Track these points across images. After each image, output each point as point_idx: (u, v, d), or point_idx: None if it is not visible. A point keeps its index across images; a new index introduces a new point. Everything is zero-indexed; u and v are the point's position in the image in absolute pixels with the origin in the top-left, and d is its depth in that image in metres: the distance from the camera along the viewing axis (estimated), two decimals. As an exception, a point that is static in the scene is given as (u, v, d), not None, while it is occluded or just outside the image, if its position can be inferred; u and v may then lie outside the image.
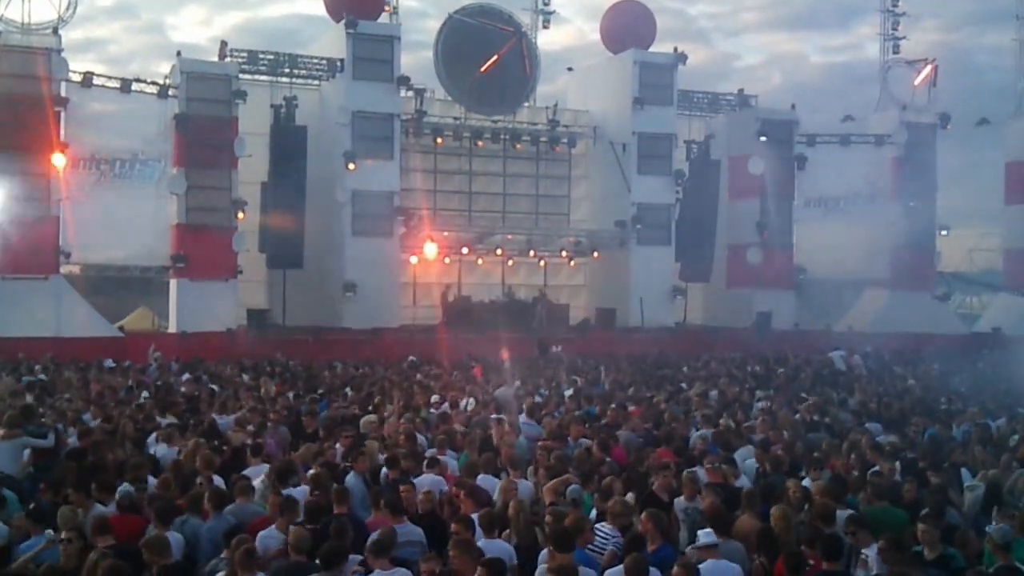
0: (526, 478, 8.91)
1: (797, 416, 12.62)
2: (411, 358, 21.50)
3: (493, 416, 11.89)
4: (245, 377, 17.75)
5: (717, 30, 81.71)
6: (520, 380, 17.04)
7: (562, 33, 67.57)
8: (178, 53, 27.20)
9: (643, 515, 6.84)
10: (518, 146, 32.54)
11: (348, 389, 15.64)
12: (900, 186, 33.29)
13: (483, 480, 8.66)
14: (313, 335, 25.88)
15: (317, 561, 6.18)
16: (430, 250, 28.82)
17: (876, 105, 35.48)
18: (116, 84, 26.01)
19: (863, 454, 9.75)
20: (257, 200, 27.26)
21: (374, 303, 27.02)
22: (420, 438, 10.48)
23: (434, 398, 14.10)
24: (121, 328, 26.61)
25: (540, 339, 26.09)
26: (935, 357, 24.09)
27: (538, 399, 14.11)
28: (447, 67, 30.40)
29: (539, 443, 10.18)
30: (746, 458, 9.73)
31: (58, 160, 24.20)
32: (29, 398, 13.27)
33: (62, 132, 24.71)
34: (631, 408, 12.99)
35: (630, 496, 7.63)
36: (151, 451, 10.06)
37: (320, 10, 30.88)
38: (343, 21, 27.74)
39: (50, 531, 6.69)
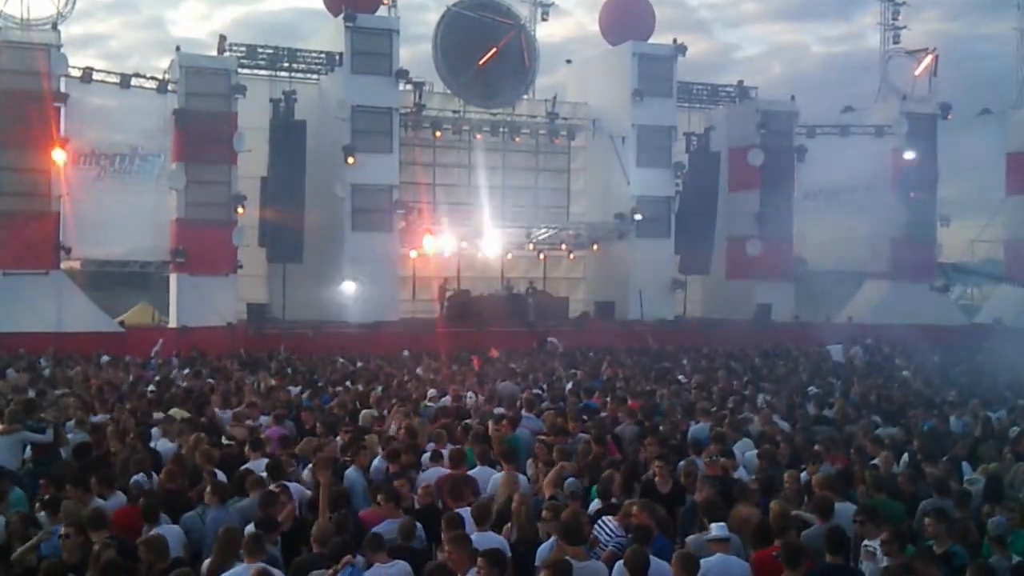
0: (525, 472, 8.96)
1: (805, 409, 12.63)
2: (404, 352, 21.54)
3: (497, 410, 11.92)
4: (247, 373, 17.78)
5: (717, 21, 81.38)
6: (520, 373, 17.09)
7: (561, 25, 67.35)
8: (177, 48, 27.21)
9: (635, 507, 6.87)
10: (517, 139, 32.52)
11: (348, 382, 15.69)
12: (900, 177, 33.23)
13: (480, 472, 8.70)
14: (313, 329, 25.92)
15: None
16: (429, 244, 28.83)
17: (876, 96, 35.39)
18: (115, 79, 25.99)
19: (863, 447, 9.78)
20: (257, 195, 27.27)
21: (374, 297, 27.02)
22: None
23: (431, 392, 14.13)
24: (122, 323, 26.64)
25: (540, 333, 26.13)
26: (935, 349, 24.10)
27: (537, 392, 14.14)
28: (446, 60, 30.35)
29: (538, 437, 10.21)
30: (745, 451, 9.77)
31: (58, 156, 24.20)
32: (31, 393, 13.32)
33: (62, 128, 24.70)
34: (631, 402, 13.01)
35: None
36: (152, 446, 10.09)
37: (319, 4, 30.84)
38: (342, 15, 27.69)
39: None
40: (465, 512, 6.94)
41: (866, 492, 7.95)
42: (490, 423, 10.96)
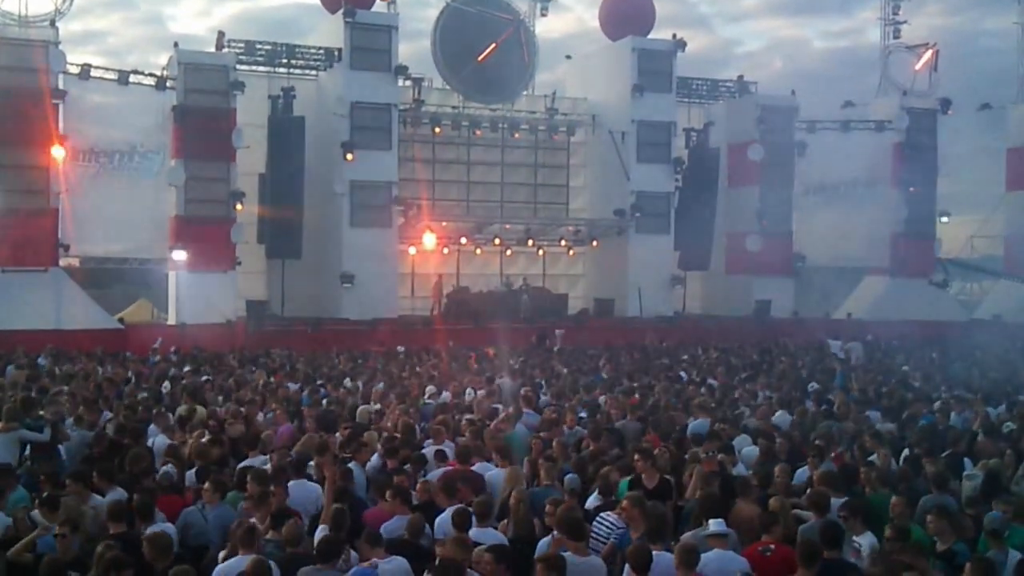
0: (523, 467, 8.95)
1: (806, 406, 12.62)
2: (400, 348, 21.53)
3: (498, 406, 11.91)
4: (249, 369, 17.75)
5: (718, 16, 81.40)
6: (519, 370, 17.09)
7: (561, 21, 67.35)
8: (175, 44, 27.19)
9: (625, 501, 6.86)
10: (516, 135, 32.47)
11: (348, 380, 15.68)
12: (900, 172, 33.19)
13: (479, 467, 8.70)
14: (312, 326, 25.90)
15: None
16: (428, 240, 28.81)
17: (877, 91, 35.34)
18: (114, 76, 25.93)
19: (863, 442, 9.77)
20: (255, 191, 27.24)
21: (372, 294, 27.03)
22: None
23: (430, 388, 14.13)
24: (121, 320, 26.64)
25: (540, 329, 26.11)
26: (934, 344, 24.09)
27: (536, 384, 14.15)
28: (445, 56, 30.31)
29: (535, 433, 10.22)
30: (743, 446, 9.76)
31: (57, 153, 24.15)
32: (32, 391, 13.29)
33: (60, 125, 24.63)
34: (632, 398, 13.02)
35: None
36: (150, 442, 10.08)
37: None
38: (340, 11, 27.63)
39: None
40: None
41: (872, 487, 7.91)
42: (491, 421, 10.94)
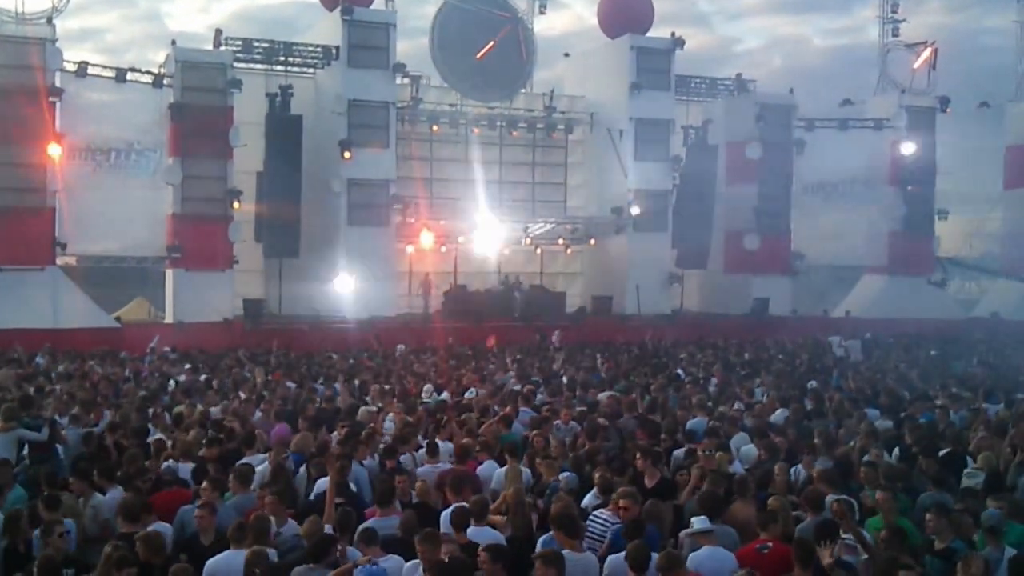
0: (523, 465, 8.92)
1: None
2: (400, 347, 21.51)
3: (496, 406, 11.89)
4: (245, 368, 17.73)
5: (718, 13, 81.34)
6: (516, 368, 17.07)
7: (561, 18, 67.06)
8: (173, 42, 27.05)
9: (622, 496, 6.85)
10: (514, 133, 32.41)
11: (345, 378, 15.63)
12: (899, 171, 33.19)
13: (485, 467, 8.69)
14: (309, 325, 25.85)
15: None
16: (426, 239, 28.76)
17: (875, 89, 35.33)
18: (111, 74, 25.86)
19: (860, 441, 9.75)
20: (253, 189, 27.17)
21: (370, 292, 26.97)
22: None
23: (428, 387, 14.10)
24: (118, 319, 26.58)
25: (540, 328, 26.08)
26: (932, 343, 24.10)
27: (531, 385, 14.13)
28: (443, 54, 30.25)
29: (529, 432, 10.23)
30: (741, 445, 9.75)
31: (53, 151, 24.09)
32: (29, 389, 13.27)
33: (57, 122, 24.58)
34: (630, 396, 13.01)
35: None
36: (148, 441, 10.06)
37: (316, -3, 30.69)
38: (338, 8, 27.56)
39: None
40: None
41: (872, 486, 7.88)
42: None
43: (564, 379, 15.63)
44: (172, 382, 15.21)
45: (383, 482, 7.78)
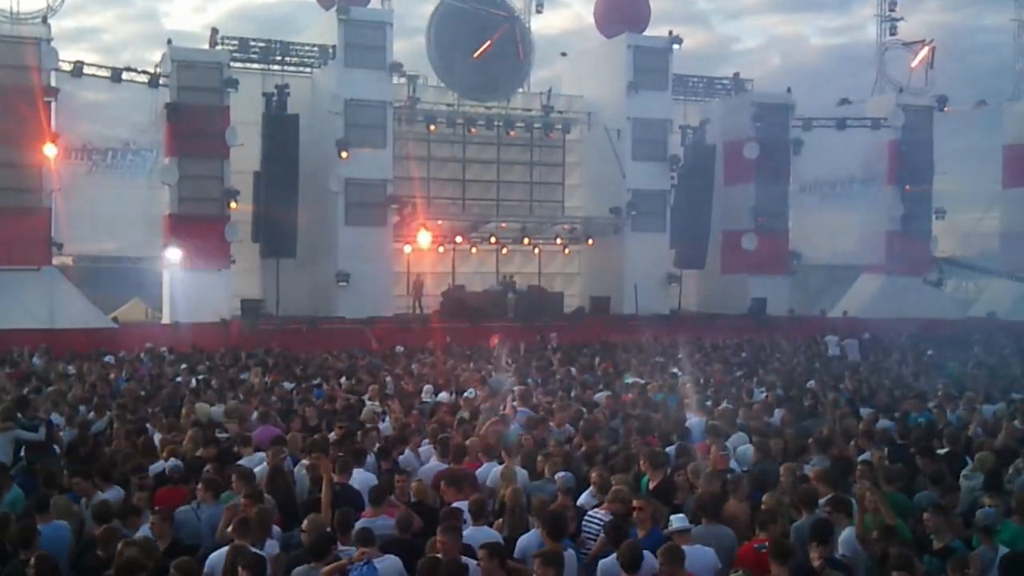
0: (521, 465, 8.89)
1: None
2: (398, 348, 21.47)
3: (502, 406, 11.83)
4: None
5: (717, 12, 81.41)
6: (514, 368, 17.03)
7: (558, 17, 67.22)
8: (169, 41, 27.00)
9: (636, 498, 6.84)
10: (512, 133, 32.37)
11: (343, 377, 15.60)
12: (896, 170, 33.21)
13: (485, 467, 8.65)
14: (307, 325, 25.81)
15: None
16: (424, 239, 28.73)
17: (873, 88, 35.35)
18: (107, 73, 25.81)
19: (857, 440, 9.73)
20: (250, 189, 27.13)
21: (368, 292, 26.94)
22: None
23: (427, 387, 14.06)
24: (114, 319, 26.52)
25: (540, 328, 26.05)
26: (929, 342, 24.09)
27: (526, 385, 14.11)
28: (440, 53, 30.21)
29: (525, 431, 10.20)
30: (738, 444, 9.72)
31: (49, 151, 24.06)
32: (25, 390, 13.21)
33: (53, 122, 24.55)
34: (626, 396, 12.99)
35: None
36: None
37: (313, -4, 30.65)
38: (335, 7, 27.52)
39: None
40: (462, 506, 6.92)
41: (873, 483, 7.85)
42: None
43: (559, 379, 15.60)
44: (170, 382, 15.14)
45: (377, 481, 7.75)
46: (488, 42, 30.29)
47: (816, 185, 33.79)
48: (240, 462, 8.65)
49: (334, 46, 27.67)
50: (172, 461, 8.59)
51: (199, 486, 7.61)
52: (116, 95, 25.91)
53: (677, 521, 6.45)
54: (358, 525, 6.50)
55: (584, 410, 11.75)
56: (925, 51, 34.38)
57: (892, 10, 35.02)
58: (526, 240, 31.60)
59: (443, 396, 13.54)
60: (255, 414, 11.49)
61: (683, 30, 32.04)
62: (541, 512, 6.64)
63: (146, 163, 26.32)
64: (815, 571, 5.95)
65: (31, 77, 24.05)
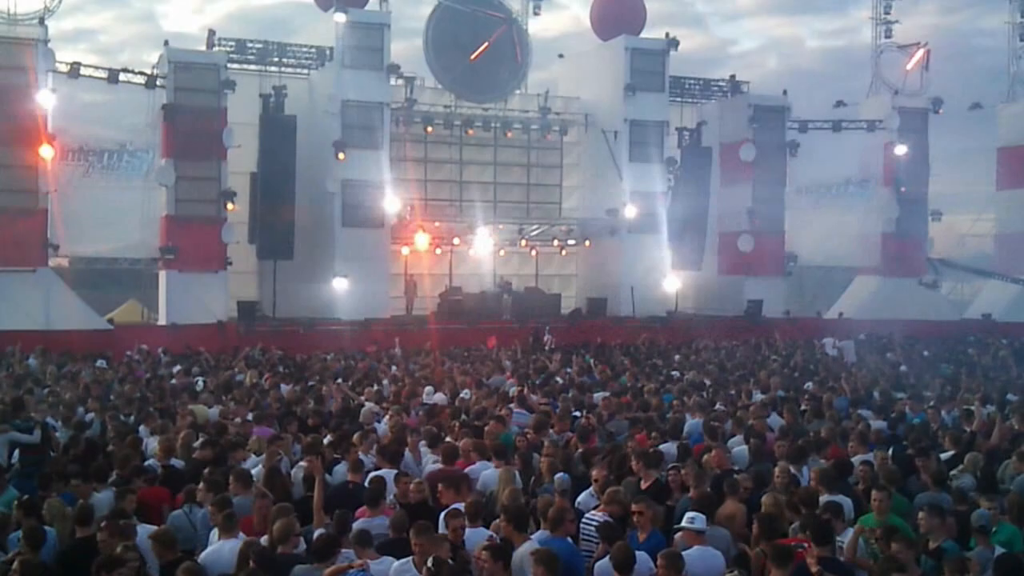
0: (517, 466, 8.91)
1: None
2: (396, 350, 21.46)
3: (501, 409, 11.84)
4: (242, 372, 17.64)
5: (714, 15, 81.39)
6: (512, 369, 17.07)
7: (555, 19, 67.19)
8: (165, 43, 26.98)
9: (635, 502, 6.83)
10: (509, 134, 32.38)
11: (340, 379, 15.61)
12: (892, 172, 33.29)
13: (476, 467, 8.66)
14: (304, 326, 25.78)
15: None
16: (421, 240, 28.73)
17: (868, 90, 35.45)
18: (103, 74, 25.74)
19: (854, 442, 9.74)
20: (247, 191, 27.11)
21: (365, 294, 26.92)
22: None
23: (428, 389, 14.08)
24: (111, 321, 26.46)
25: (535, 330, 26.06)
26: (924, 343, 24.17)
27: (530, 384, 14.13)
28: (437, 55, 30.22)
29: (524, 431, 10.21)
30: (733, 446, 9.75)
31: (45, 152, 23.98)
32: (20, 391, 13.20)
33: (49, 123, 24.44)
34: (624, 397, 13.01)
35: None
36: (143, 444, 10.01)
37: (311, -2, 30.58)
38: (332, 9, 27.52)
39: None
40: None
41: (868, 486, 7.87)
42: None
43: (559, 380, 15.62)
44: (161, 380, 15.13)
45: (373, 483, 7.76)
46: (485, 44, 30.32)
47: (812, 187, 33.84)
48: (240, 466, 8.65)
49: (331, 48, 27.65)
50: (151, 462, 8.62)
51: (200, 487, 7.61)
52: (113, 96, 25.88)
53: (698, 521, 6.41)
54: (356, 526, 6.51)
55: (580, 414, 11.78)
56: (920, 54, 34.48)
57: (887, 13, 35.11)
58: (523, 242, 31.61)
59: (439, 397, 13.55)
60: (250, 415, 11.52)
61: (680, 32, 32.12)
62: (507, 506, 6.65)
63: (143, 164, 26.24)
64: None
65: (27, 78, 23.99)
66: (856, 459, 8.88)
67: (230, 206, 26.45)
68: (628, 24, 32.28)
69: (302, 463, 8.70)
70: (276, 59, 28.18)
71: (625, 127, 31.02)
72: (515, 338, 24.17)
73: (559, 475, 7.91)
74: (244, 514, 7.08)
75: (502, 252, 32.19)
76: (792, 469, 8.23)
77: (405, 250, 29.79)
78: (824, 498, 7.16)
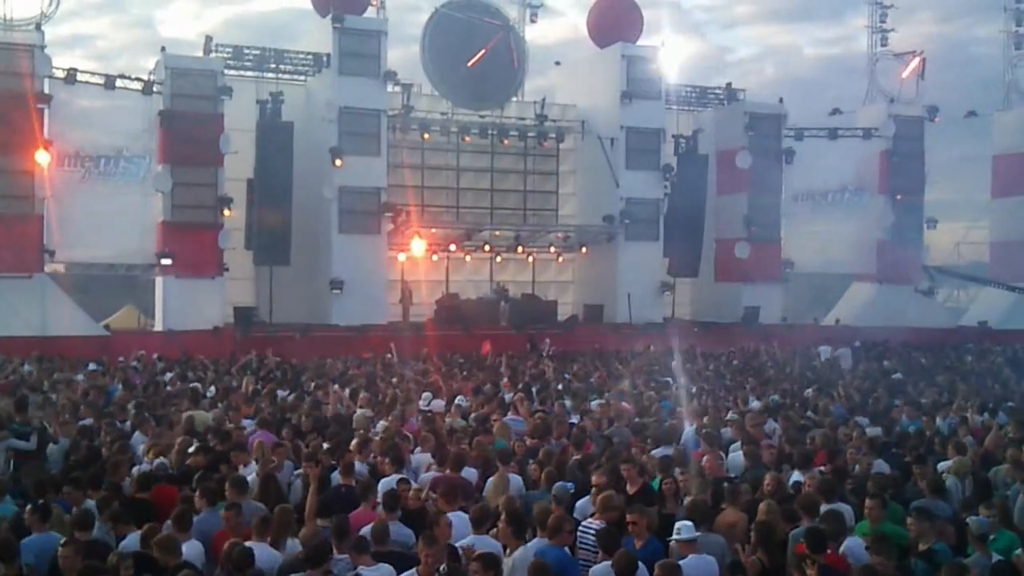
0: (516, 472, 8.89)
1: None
2: (391, 355, 21.43)
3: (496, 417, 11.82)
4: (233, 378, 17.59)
5: (712, 23, 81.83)
6: (508, 376, 17.04)
7: (554, 27, 67.62)
8: (162, 49, 27.03)
9: (629, 511, 6.83)
10: (506, 141, 32.43)
11: (336, 385, 15.55)
12: (888, 179, 33.41)
13: (471, 474, 8.66)
14: (300, 332, 25.75)
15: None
16: (418, 247, 28.72)
17: (864, 98, 35.60)
18: (100, 80, 25.77)
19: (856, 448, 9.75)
20: (243, 197, 27.10)
21: (362, 300, 26.91)
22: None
23: (427, 395, 14.06)
24: (107, 327, 26.41)
25: (531, 336, 26.06)
26: (921, 351, 24.21)
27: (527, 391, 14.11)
28: (434, 62, 30.28)
29: (522, 437, 10.19)
30: (730, 452, 9.74)
31: (42, 158, 23.96)
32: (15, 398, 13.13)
33: (46, 129, 24.45)
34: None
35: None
36: (137, 450, 9.98)
37: (309, 4, 30.64)
38: (329, 16, 27.58)
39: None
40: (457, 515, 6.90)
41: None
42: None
43: (559, 386, 15.62)
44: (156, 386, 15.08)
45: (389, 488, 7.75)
46: (482, 51, 30.39)
47: (808, 194, 33.94)
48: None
49: (328, 54, 27.70)
50: (137, 469, 8.62)
51: (195, 493, 7.58)
52: (110, 102, 25.86)
53: (686, 531, 6.42)
54: (377, 530, 6.50)
55: (575, 421, 11.76)
56: (916, 62, 34.64)
57: (883, 21, 35.29)
58: (520, 248, 31.62)
59: (436, 404, 13.53)
60: (247, 421, 11.49)
61: (678, 41, 32.21)
62: (507, 511, 6.64)
63: (139, 170, 26.25)
64: None
65: (24, 84, 24.00)
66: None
67: (227, 212, 26.46)
68: (625, 32, 32.39)
69: (298, 471, 8.68)
70: (273, 65, 28.21)
71: (622, 134, 31.10)
72: (512, 344, 24.16)
73: (560, 484, 7.89)
74: (214, 529, 7.05)
75: (499, 259, 32.21)
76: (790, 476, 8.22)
77: (402, 256, 29.78)
78: (824, 507, 7.16)
